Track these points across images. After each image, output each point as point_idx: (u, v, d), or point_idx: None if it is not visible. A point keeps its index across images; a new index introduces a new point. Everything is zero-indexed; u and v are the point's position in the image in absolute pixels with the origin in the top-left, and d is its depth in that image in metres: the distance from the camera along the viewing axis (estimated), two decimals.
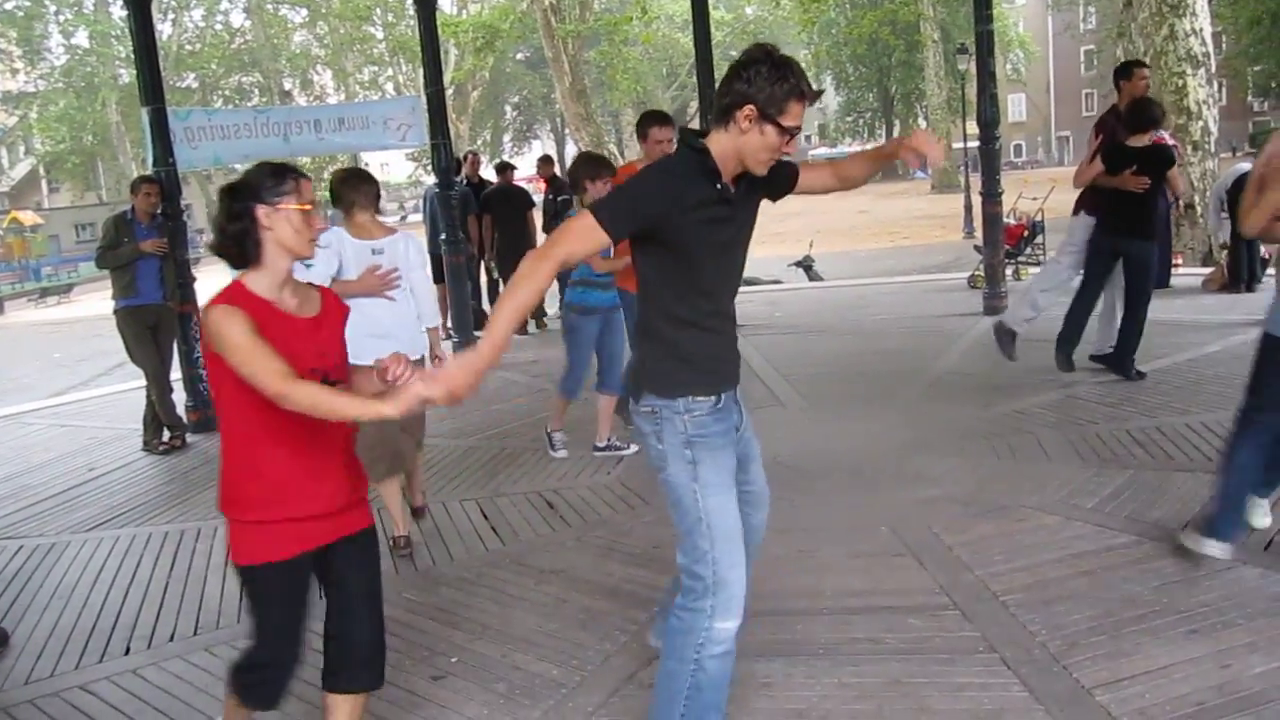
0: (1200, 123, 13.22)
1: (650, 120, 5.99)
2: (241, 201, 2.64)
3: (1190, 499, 4.67)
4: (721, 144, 2.68)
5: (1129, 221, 6.67)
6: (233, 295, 2.63)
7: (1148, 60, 13.14)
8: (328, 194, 5.00)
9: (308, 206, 2.68)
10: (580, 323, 6.09)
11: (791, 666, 3.54)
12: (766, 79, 2.61)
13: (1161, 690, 3.16)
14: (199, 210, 53.34)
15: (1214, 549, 3.96)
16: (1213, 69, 13.66)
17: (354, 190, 4.81)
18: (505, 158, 53.35)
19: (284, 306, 2.70)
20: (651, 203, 2.64)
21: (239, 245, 2.65)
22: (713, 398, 2.84)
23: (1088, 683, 3.25)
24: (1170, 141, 6.66)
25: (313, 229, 2.71)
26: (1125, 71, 7.18)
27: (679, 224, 2.66)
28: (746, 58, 2.67)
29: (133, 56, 8.31)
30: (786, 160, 2.92)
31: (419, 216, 12.47)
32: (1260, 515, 4.32)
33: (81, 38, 46.88)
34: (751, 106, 2.62)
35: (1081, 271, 7.10)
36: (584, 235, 2.61)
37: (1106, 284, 7.04)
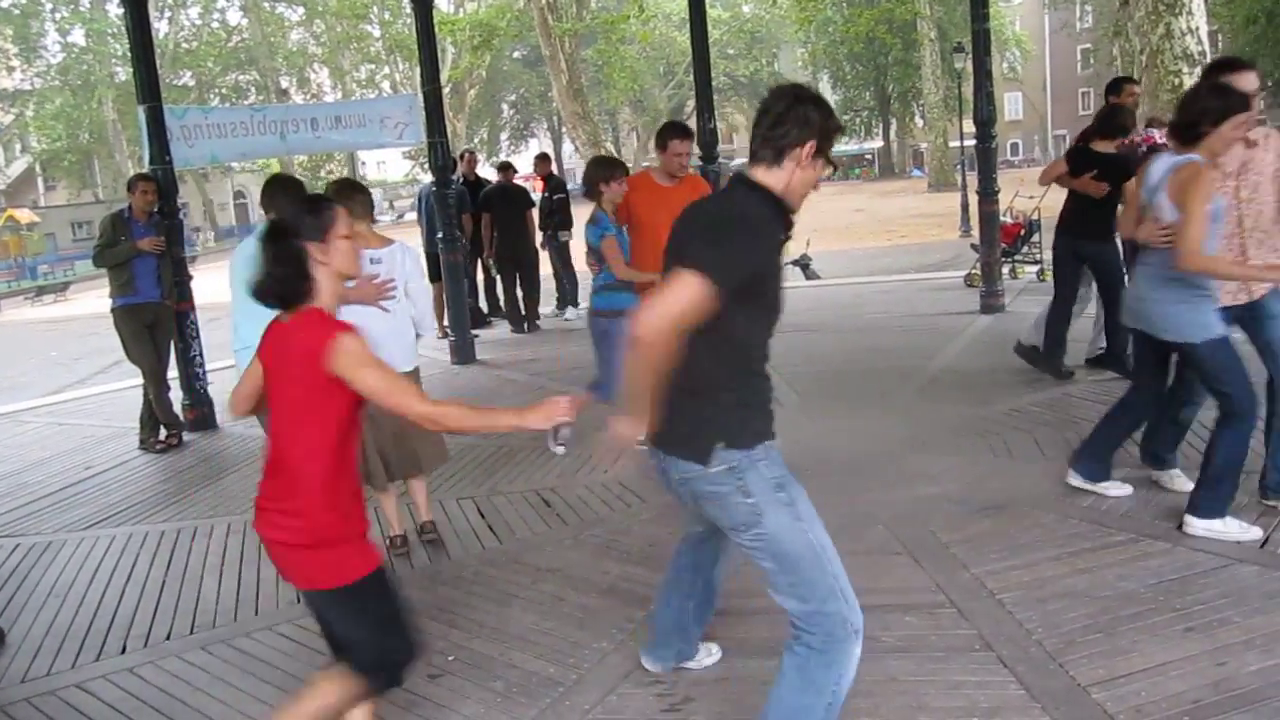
0: None
1: (671, 132, 5.89)
2: (289, 244, 2.72)
3: (1185, 497, 4.67)
4: (781, 182, 2.70)
5: (1086, 225, 6.71)
6: (340, 323, 2.72)
7: (1144, 59, 13.17)
8: None
9: (349, 235, 2.81)
10: (611, 326, 6.05)
11: None
12: (819, 115, 2.66)
13: (1158, 687, 3.17)
14: (195, 208, 53.36)
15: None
16: None
17: (348, 200, 4.55)
18: (502, 156, 53.42)
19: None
20: (758, 254, 2.62)
21: (288, 286, 2.72)
22: (773, 438, 2.83)
23: (1084, 680, 3.25)
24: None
25: (358, 249, 2.91)
26: (1114, 88, 7.24)
27: (773, 273, 2.69)
28: (790, 97, 2.69)
29: (129, 54, 8.28)
30: None
31: (413, 215, 12.46)
32: (1181, 482, 4.74)
33: (78, 35, 46.90)
34: (813, 143, 2.65)
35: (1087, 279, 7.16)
36: (696, 301, 2.50)
37: (1082, 287, 7.08)
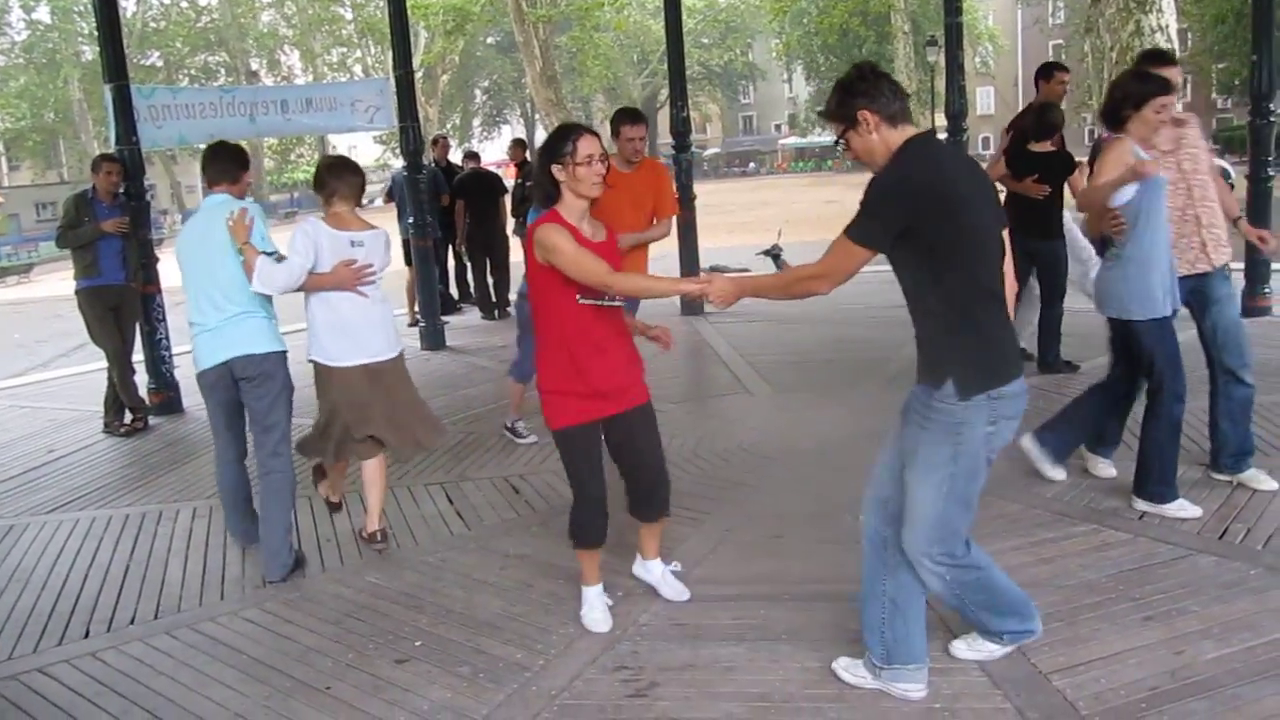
0: None
1: (622, 118, 5.85)
2: (541, 161, 3.54)
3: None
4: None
5: (1033, 224, 6.72)
6: (554, 218, 3.51)
7: (1114, 55, 13.28)
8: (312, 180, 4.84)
9: (584, 162, 3.48)
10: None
11: (755, 651, 3.56)
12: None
13: (1117, 675, 3.22)
14: (163, 191, 52.76)
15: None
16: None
17: (338, 179, 4.53)
18: (475, 142, 53.08)
19: (584, 233, 3.54)
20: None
21: (543, 189, 3.56)
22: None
23: (1045, 668, 3.29)
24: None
25: (596, 173, 3.51)
26: (1045, 72, 7.22)
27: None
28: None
29: (95, 32, 8.17)
30: None
31: (381, 202, 12.38)
32: (1104, 468, 5.03)
33: (43, 13, 46.26)
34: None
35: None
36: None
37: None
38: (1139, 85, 4.33)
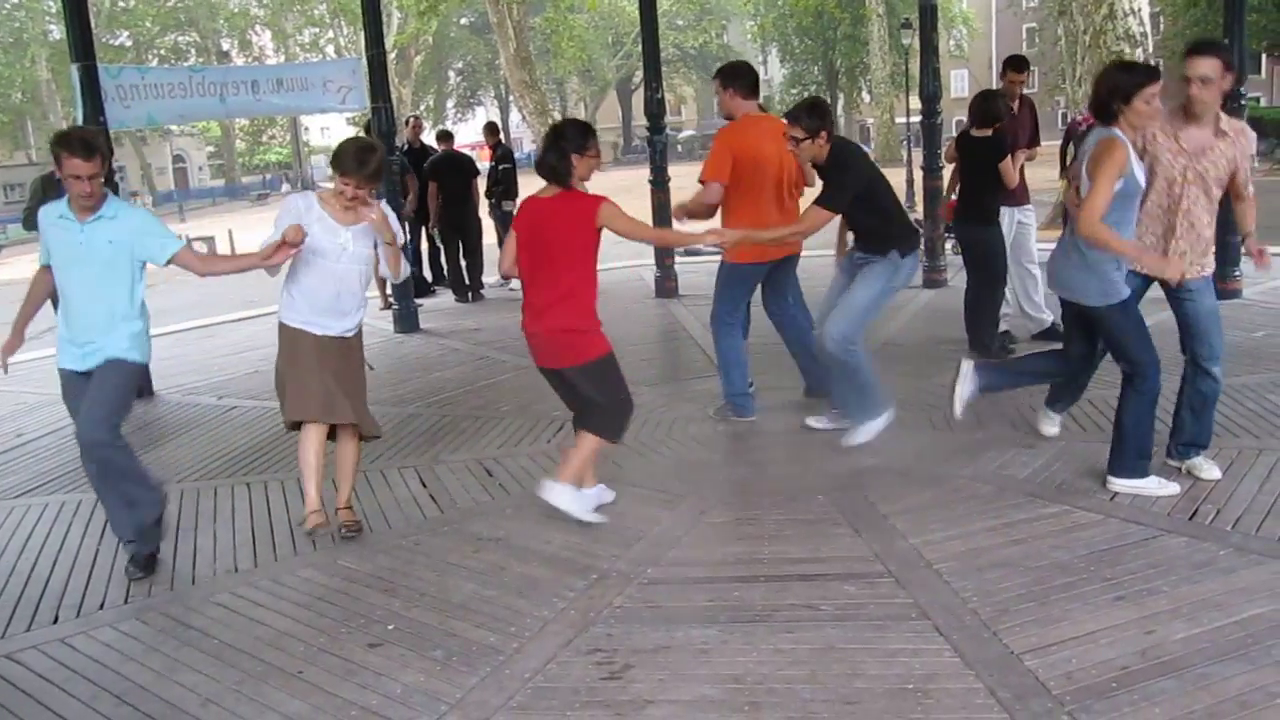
0: None
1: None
2: (562, 148, 4.38)
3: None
4: None
5: (967, 211, 7.03)
6: (600, 197, 4.41)
7: (1088, 39, 13.33)
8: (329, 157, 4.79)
9: (594, 155, 4.48)
10: None
11: (728, 633, 3.57)
12: None
13: (1088, 655, 3.24)
14: (133, 172, 52.18)
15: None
16: (1150, 48, 13.87)
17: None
18: (449, 123, 52.86)
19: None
20: None
21: (557, 173, 4.40)
22: None
23: (1017, 648, 3.31)
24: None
25: (590, 171, 4.48)
26: (1005, 67, 7.69)
27: None
28: None
29: (62, 11, 8.04)
30: None
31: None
32: (1049, 426, 5.35)
33: None
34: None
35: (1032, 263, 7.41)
36: None
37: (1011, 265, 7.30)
38: (1126, 76, 4.30)
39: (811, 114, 5.11)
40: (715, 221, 5.59)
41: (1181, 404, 4.70)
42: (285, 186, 53.83)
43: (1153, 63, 14.26)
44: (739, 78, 5.79)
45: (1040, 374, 5.24)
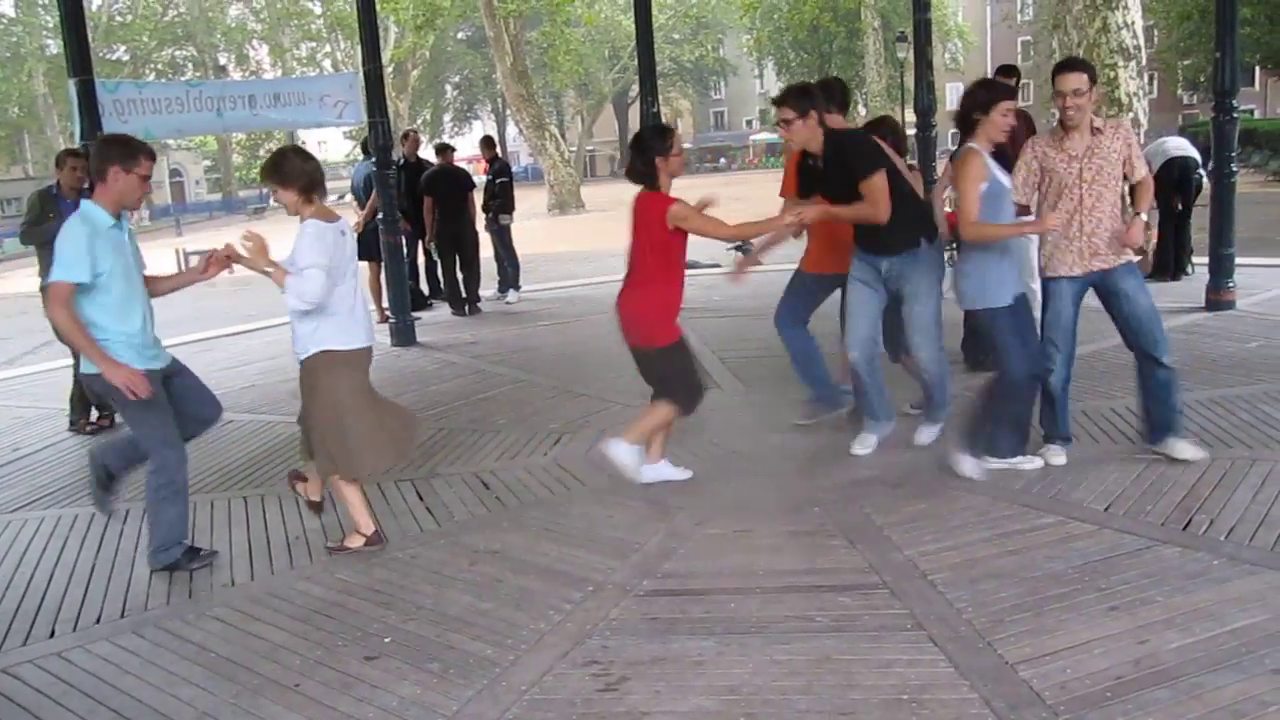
0: (1131, 114, 13.48)
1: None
2: (646, 154, 4.85)
3: (1112, 481, 4.79)
4: None
5: None
6: (672, 198, 4.82)
7: (1081, 52, 13.37)
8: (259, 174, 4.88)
9: (677, 154, 4.91)
10: None
11: (724, 645, 3.57)
12: None
13: (1082, 665, 3.25)
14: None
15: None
16: (1144, 62, 13.91)
17: (318, 171, 4.50)
18: (445, 137, 53.04)
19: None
20: None
21: (645, 178, 4.87)
22: None
23: (1011, 658, 3.32)
24: None
25: (679, 167, 4.93)
26: (1008, 71, 7.66)
27: None
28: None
29: (60, 25, 8.07)
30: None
31: (350, 198, 12.34)
32: (1053, 455, 5.24)
33: (6, 6, 45.74)
34: None
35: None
36: None
37: None
38: (986, 92, 4.87)
39: (799, 94, 5.05)
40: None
41: (1145, 399, 5.05)
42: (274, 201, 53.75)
43: (1147, 75, 14.38)
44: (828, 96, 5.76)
45: (1003, 408, 5.07)
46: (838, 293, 5.83)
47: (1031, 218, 4.96)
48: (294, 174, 4.39)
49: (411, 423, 4.91)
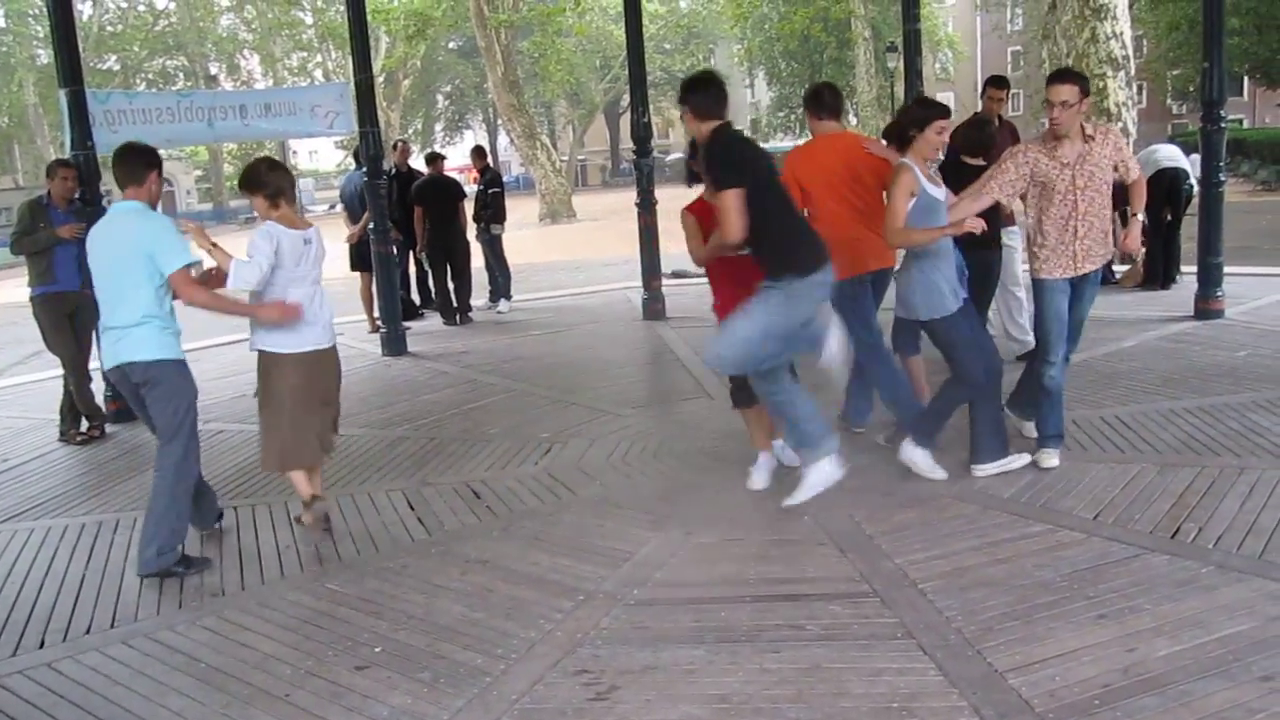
0: (1120, 124, 13.55)
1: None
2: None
3: (1101, 489, 4.81)
4: None
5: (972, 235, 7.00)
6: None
7: (1070, 62, 13.44)
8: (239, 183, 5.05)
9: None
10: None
11: (714, 654, 3.58)
12: None
13: (1071, 672, 3.26)
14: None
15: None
16: (1132, 72, 14.00)
17: (284, 179, 4.82)
18: (437, 147, 53.09)
19: None
20: None
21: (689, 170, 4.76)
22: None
23: (1001, 666, 3.33)
24: None
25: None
26: (991, 82, 7.61)
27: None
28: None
29: (51, 36, 8.07)
30: None
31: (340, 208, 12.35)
32: (1029, 430, 5.51)
33: None
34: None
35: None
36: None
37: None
38: (922, 110, 5.05)
39: (688, 86, 4.71)
40: None
41: (1035, 388, 5.23)
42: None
43: (1135, 85, 14.46)
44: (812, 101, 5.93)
45: (954, 404, 5.22)
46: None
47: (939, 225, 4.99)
48: (259, 183, 4.77)
49: (328, 435, 5.15)
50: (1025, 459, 5.14)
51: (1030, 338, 7.46)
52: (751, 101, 71.78)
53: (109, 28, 47.82)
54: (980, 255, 6.99)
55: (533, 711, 3.31)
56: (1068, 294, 5.06)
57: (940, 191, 5.06)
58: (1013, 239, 7.48)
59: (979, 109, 7.67)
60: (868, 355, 5.68)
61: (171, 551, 4.69)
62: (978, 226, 4.87)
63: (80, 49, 8.07)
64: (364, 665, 3.69)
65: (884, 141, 5.73)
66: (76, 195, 7.46)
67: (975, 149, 6.88)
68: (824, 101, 5.83)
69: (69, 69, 7.75)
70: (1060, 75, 4.92)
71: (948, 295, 4.98)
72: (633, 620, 3.90)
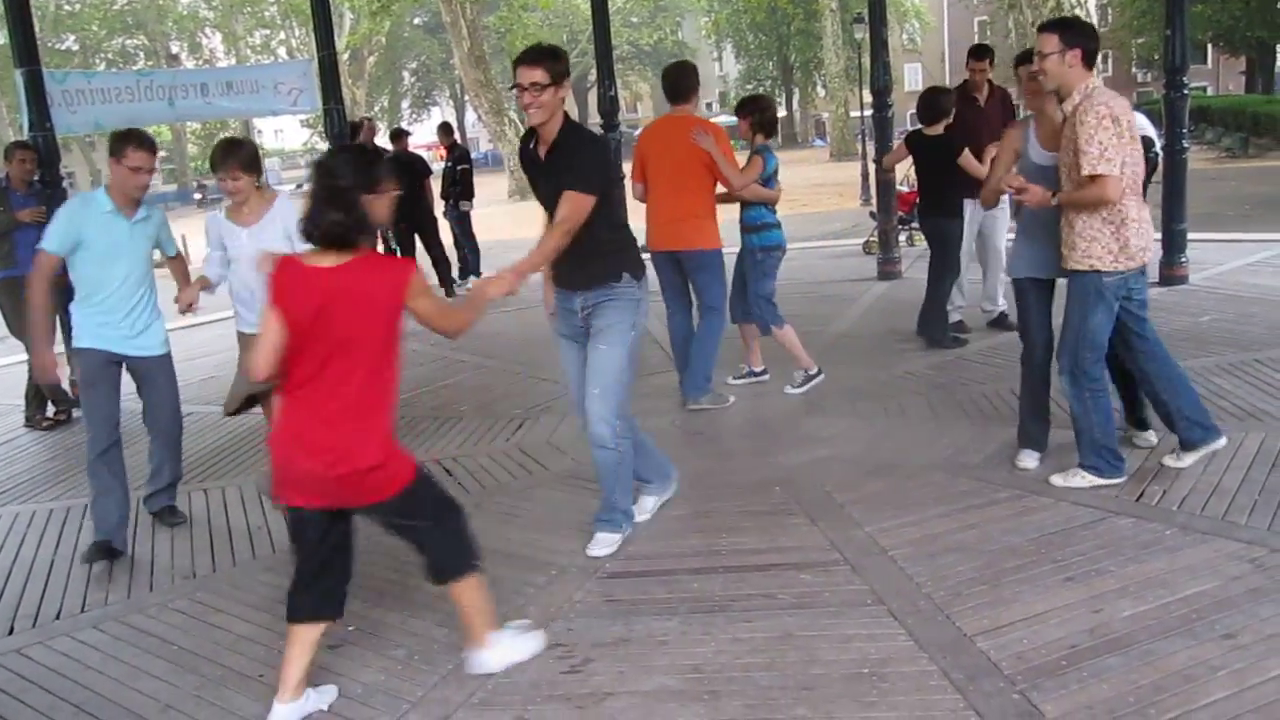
0: None
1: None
2: (348, 193, 3.00)
3: (1067, 454, 4.85)
4: None
5: (928, 203, 7.15)
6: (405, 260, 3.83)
7: (1036, 31, 13.53)
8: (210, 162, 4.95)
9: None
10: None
11: (687, 624, 3.60)
12: None
13: (1038, 635, 3.31)
14: (82, 178, 51.40)
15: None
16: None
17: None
18: (404, 124, 52.63)
19: None
20: None
21: (349, 231, 3.05)
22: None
23: (970, 630, 3.37)
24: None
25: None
26: (968, 55, 7.72)
27: None
28: None
29: (4, 15, 7.92)
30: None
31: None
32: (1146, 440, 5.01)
33: None
34: None
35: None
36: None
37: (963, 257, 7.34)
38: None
39: (549, 55, 4.33)
40: None
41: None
42: (197, 196, 52.73)
43: (1101, 54, 14.52)
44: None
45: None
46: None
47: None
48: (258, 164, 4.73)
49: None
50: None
51: (999, 305, 7.52)
52: (720, 74, 71.59)
53: (66, 6, 47.06)
54: (938, 224, 7.06)
55: (507, 685, 3.32)
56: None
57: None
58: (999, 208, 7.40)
59: (965, 80, 7.65)
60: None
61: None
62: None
63: (37, 28, 7.93)
64: (337, 644, 3.68)
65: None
66: (36, 178, 7.35)
67: (935, 118, 6.91)
68: (677, 86, 6.36)
69: (24, 49, 7.62)
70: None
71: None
72: (605, 593, 3.91)
